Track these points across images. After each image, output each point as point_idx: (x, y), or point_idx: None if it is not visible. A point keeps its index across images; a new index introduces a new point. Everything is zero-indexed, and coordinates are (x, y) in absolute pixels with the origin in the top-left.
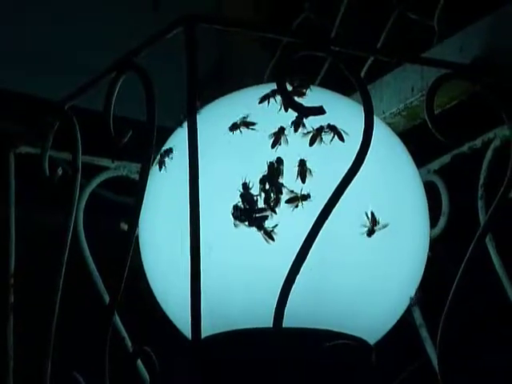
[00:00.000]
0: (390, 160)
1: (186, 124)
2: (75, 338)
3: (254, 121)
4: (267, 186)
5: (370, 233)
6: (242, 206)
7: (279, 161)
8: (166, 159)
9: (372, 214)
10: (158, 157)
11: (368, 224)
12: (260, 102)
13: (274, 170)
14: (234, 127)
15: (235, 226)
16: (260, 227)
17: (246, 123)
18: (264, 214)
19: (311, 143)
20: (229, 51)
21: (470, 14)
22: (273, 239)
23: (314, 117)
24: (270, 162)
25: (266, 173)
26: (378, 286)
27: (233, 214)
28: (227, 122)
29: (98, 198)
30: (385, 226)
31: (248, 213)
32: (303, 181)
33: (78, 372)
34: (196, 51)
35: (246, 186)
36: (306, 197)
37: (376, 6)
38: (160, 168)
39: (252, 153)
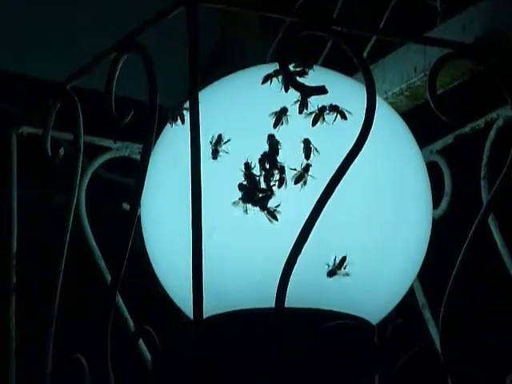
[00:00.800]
0: (393, 140)
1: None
2: (77, 319)
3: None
4: (267, 166)
5: None
6: (246, 185)
7: (276, 140)
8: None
9: None
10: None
11: None
12: (263, 82)
13: (273, 148)
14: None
15: (234, 204)
16: (263, 207)
17: None
18: (267, 193)
19: (314, 123)
20: (230, 34)
21: None
22: (276, 219)
23: (316, 97)
24: (270, 141)
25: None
26: (380, 266)
27: (242, 199)
28: (230, 101)
29: (100, 179)
30: None
31: (251, 193)
32: (307, 158)
33: (79, 353)
34: (197, 31)
35: (248, 166)
36: (307, 168)
37: None
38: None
39: (253, 132)
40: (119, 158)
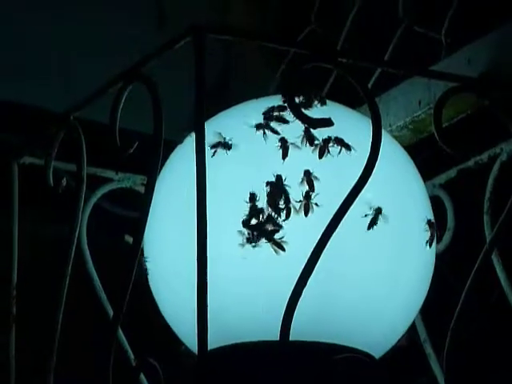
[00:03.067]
0: (397, 173)
1: (186, 139)
2: (78, 352)
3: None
4: (274, 199)
5: None
6: (251, 221)
7: (281, 176)
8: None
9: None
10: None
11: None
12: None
13: (281, 182)
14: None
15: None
16: (269, 238)
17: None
18: (273, 227)
19: (320, 155)
20: (233, 65)
21: (477, 27)
22: (283, 249)
23: (319, 129)
24: (277, 175)
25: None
26: (383, 301)
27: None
28: (234, 132)
29: (102, 210)
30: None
31: (259, 227)
32: (311, 189)
33: None
34: (205, 62)
35: (253, 197)
36: (309, 196)
37: (382, 19)
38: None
39: (259, 165)
40: (121, 190)
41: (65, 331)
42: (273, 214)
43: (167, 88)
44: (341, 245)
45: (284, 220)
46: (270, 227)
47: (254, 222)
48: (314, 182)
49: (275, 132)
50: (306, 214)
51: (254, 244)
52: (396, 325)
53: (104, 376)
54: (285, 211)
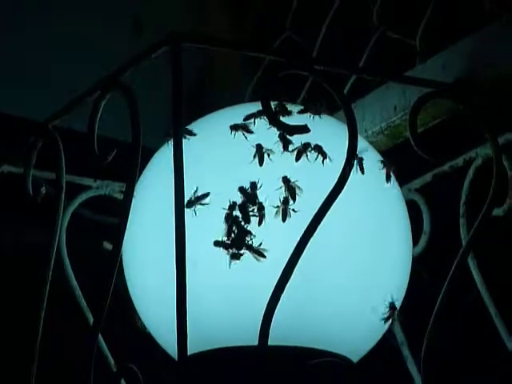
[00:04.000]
0: (373, 178)
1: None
2: (59, 359)
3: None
4: (249, 207)
5: None
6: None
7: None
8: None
9: None
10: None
11: None
12: (245, 120)
13: (253, 189)
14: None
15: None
16: (249, 247)
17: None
18: (247, 235)
19: (297, 159)
20: (210, 72)
21: (452, 33)
22: (264, 256)
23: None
24: (251, 182)
25: (246, 193)
26: (361, 303)
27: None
28: (212, 139)
29: (80, 218)
30: None
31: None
32: (291, 196)
33: None
34: (181, 70)
35: (232, 207)
36: (287, 202)
37: (357, 25)
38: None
39: (236, 171)
40: (99, 197)
41: (45, 338)
42: (242, 222)
43: (145, 95)
44: (318, 250)
45: (259, 226)
46: (244, 237)
47: (227, 236)
48: (296, 190)
49: (250, 132)
50: (284, 219)
51: (234, 255)
52: (373, 328)
53: (85, 382)
54: (258, 218)
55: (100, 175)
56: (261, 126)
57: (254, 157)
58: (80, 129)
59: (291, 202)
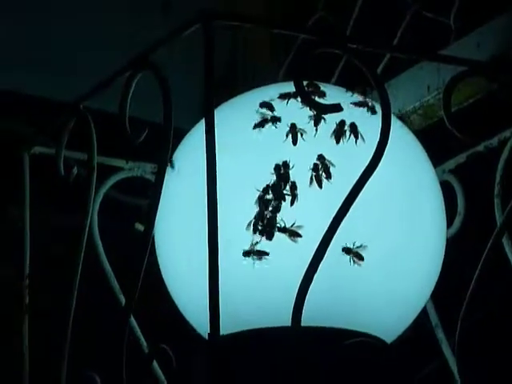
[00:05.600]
0: (407, 158)
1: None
2: (91, 340)
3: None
4: (282, 186)
5: None
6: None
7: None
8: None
9: None
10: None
11: None
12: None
13: (285, 168)
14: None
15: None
16: (283, 230)
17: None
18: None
19: (337, 140)
20: (240, 54)
21: (486, 11)
22: (299, 235)
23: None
24: (283, 162)
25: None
26: (395, 284)
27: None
28: (245, 120)
29: (112, 200)
30: None
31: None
32: (327, 174)
33: (94, 372)
34: (214, 47)
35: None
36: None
37: (391, 4)
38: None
39: (269, 151)
40: (132, 179)
41: (77, 320)
42: (275, 202)
43: (178, 76)
44: (352, 229)
45: (291, 205)
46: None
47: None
48: (330, 167)
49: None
50: (320, 185)
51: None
52: (407, 309)
53: (118, 364)
54: (290, 198)
55: (132, 157)
56: (293, 105)
57: (287, 136)
58: (112, 110)
59: (325, 179)
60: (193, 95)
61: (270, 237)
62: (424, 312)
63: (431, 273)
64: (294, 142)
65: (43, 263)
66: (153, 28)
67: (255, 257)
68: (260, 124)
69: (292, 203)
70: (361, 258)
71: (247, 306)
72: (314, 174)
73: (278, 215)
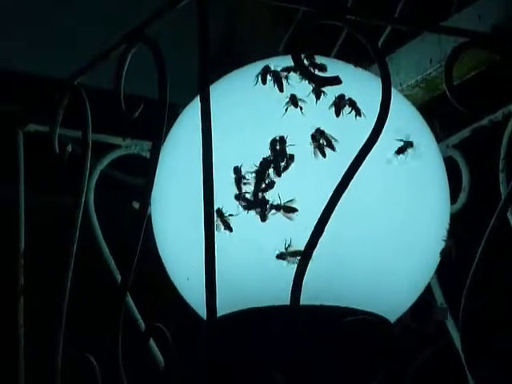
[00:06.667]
0: (409, 133)
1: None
2: (87, 320)
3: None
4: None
5: None
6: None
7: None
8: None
9: None
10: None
11: None
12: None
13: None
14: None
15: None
16: (278, 208)
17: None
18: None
19: (337, 113)
20: (238, 28)
21: None
22: (296, 210)
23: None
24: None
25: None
26: (397, 260)
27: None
28: (241, 94)
29: (109, 178)
30: None
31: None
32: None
33: (90, 353)
34: (208, 21)
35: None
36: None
37: None
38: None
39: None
40: (129, 156)
41: (73, 299)
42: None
43: (174, 51)
44: (352, 205)
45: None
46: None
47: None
48: (332, 141)
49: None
50: (324, 154)
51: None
52: (411, 286)
53: (113, 342)
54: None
55: (129, 134)
56: (292, 79)
57: (286, 110)
58: (107, 87)
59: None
60: (190, 70)
61: (263, 218)
62: (429, 290)
63: (435, 249)
64: (295, 105)
65: (38, 243)
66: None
67: None
68: (262, 78)
69: (284, 169)
70: None
71: (245, 284)
72: (314, 143)
73: (271, 192)
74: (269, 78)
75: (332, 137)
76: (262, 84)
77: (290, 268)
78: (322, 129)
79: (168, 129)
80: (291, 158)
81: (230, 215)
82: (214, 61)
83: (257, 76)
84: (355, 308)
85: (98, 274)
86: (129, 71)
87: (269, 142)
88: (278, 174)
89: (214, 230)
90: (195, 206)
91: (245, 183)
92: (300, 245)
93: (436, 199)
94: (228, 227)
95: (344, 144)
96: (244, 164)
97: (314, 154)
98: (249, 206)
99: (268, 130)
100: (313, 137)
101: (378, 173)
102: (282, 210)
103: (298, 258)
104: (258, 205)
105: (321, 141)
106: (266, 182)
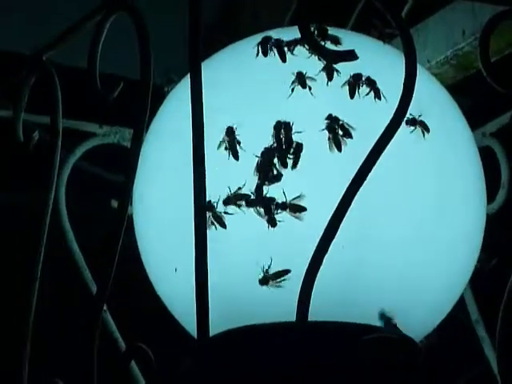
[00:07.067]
0: (437, 120)
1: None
2: (57, 338)
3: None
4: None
5: None
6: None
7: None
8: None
9: None
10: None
11: None
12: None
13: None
14: None
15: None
16: (285, 207)
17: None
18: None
19: (352, 94)
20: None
21: None
22: (304, 209)
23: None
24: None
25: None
26: (423, 271)
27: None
28: (239, 72)
29: (84, 172)
30: None
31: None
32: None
33: (60, 378)
34: None
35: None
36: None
37: None
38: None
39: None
40: (106, 146)
41: (40, 314)
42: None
43: (160, 23)
44: (370, 203)
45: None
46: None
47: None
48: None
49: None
50: (340, 148)
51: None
52: (439, 301)
53: (88, 364)
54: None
55: (107, 120)
56: (300, 55)
57: (293, 91)
58: (81, 64)
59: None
60: (179, 45)
61: (272, 223)
62: (461, 305)
63: (469, 256)
64: (303, 86)
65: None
66: None
67: None
68: (263, 49)
69: (294, 166)
70: None
71: (244, 297)
72: (329, 134)
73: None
74: (271, 49)
75: (348, 125)
76: (263, 57)
77: (296, 277)
78: (334, 115)
79: (152, 114)
80: (299, 147)
81: (226, 213)
82: (209, 33)
83: (256, 47)
84: (374, 325)
85: (69, 285)
86: (107, 45)
87: (272, 127)
88: (284, 165)
89: (205, 230)
90: (184, 204)
91: None
92: (308, 252)
93: (469, 198)
94: (221, 224)
95: (360, 131)
96: None
97: (330, 147)
98: (251, 203)
99: (270, 115)
100: (327, 126)
101: (398, 165)
102: (288, 209)
103: (284, 279)
104: (262, 203)
105: (336, 130)
106: (271, 174)
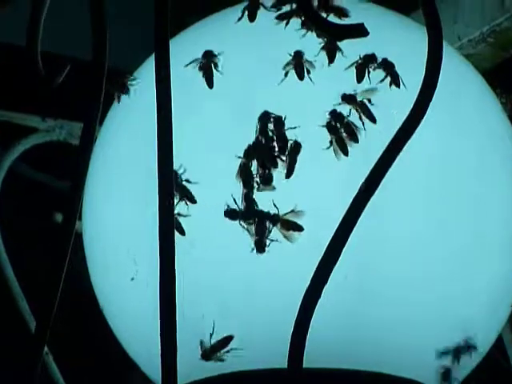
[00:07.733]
0: (469, 108)
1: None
2: None
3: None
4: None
5: None
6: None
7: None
8: None
9: None
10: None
11: None
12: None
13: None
14: None
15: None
16: (275, 220)
17: None
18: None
19: (359, 78)
20: None
21: None
22: (300, 229)
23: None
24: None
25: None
26: (445, 306)
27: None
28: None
29: (20, 177)
30: None
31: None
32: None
33: None
34: None
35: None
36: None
37: None
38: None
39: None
40: (49, 145)
41: None
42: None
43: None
44: (380, 225)
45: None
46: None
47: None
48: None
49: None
50: (346, 152)
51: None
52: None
53: None
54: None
55: (51, 112)
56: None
57: (286, 75)
58: (18, 42)
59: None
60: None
61: (260, 249)
62: (498, 343)
63: (500, 285)
64: (301, 77)
65: None
66: None
67: None
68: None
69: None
70: None
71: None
72: (332, 136)
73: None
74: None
75: (354, 124)
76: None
77: (289, 314)
78: (339, 111)
79: (108, 105)
80: (296, 147)
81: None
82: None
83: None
84: (385, 373)
85: (3, 318)
86: (50, 18)
87: (256, 119)
88: (274, 165)
89: (173, 250)
90: (147, 218)
91: None
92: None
93: (505, 199)
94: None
95: (372, 126)
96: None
97: (335, 152)
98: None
99: (257, 105)
100: (329, 126)
101: (422, 166)
102: (279, 225)
103: (228, 350)
104: (251, 215)
105: (340, 131)
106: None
